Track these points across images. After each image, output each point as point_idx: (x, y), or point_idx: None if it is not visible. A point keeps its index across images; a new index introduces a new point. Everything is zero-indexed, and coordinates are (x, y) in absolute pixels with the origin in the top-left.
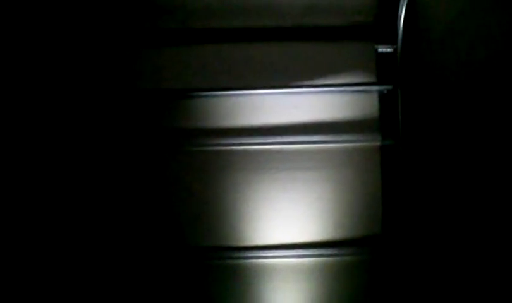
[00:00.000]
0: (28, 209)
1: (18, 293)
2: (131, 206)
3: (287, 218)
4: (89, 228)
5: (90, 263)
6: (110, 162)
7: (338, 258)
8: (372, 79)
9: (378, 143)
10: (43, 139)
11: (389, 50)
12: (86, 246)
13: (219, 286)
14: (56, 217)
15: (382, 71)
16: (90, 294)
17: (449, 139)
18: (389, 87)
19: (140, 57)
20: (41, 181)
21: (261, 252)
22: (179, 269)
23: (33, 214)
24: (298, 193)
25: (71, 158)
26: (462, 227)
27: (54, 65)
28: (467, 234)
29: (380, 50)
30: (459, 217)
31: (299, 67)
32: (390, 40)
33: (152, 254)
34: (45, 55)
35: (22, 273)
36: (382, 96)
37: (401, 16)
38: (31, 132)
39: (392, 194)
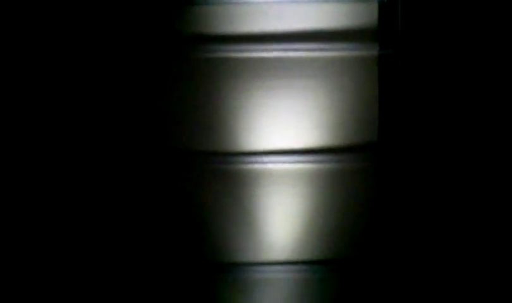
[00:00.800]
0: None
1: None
2: (125, 109)
3: (284, 125)
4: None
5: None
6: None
7: (334, 164)
8: None
9: (376, 52)
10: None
11: None
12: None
13: (210, 191)
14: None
15: None
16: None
17: (448, 49)
18: None
19: None
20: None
21: (257, 157)
22: (172, 173)
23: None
24: (295, 101)
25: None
26: (459, 139)
27: None
28: (463, 147)
29: None
30: (456, 128)
31: None
32: None
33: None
34: None
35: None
36: (381, 6)
37: None
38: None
39: (389, 103)
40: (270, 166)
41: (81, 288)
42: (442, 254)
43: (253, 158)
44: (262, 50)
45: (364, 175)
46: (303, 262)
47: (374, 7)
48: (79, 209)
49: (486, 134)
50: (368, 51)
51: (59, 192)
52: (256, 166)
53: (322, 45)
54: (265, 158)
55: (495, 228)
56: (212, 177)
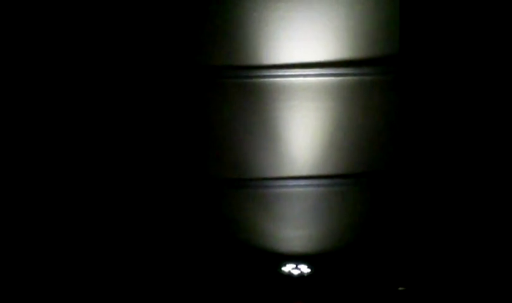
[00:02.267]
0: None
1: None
2: None
3: (304, 37)
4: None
5: None
6: None
7: (355, 77)
8: None
9: None
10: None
11: None
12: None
13: (232, 104)
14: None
15: None
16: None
17: None
18: None
19: None
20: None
21: (277, 71)
22: (194, 89)
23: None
24: (315, 12)
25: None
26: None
27: None
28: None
29: None
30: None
31: None
32: None
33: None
34: None
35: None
36: None
37: None
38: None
39: (409, 15)
40: (289, 80)
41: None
42: (458, 165)
43: (273, 72)
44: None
45: (385, 87)
46: (324, 177)
47: None
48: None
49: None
50: None
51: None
52: (277, 80)
53: None
54: (286, 72)
55: None
56: (233, 91)
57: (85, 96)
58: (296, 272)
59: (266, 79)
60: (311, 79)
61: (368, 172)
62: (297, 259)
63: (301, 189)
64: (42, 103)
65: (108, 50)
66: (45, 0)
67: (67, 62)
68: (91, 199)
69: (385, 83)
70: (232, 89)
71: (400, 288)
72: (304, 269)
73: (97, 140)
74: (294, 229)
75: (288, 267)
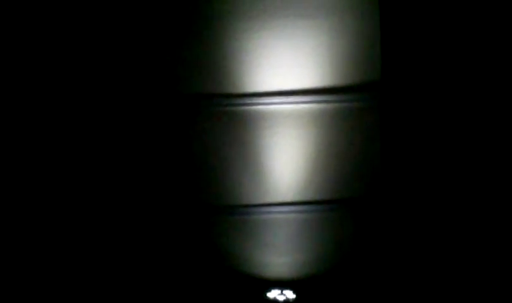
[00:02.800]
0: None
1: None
2: None
3: (287, 65)
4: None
5: None
6: None
7: (337, 104)
8: None
9: None
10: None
11: None
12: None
13: (214, 132)
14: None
15: None
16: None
17: None
18: None
19: None
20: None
21: (260, 98)
22: (174, 115)
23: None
24: (297, 40)
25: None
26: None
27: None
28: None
29: None
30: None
31: None
32: None
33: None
34: None
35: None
36: None
37: None
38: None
39: (391, 41)
40: (271, 107)
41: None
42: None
43: (254, 100)
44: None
45: (366, 113)
46: (307, 203)
47: None
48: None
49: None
50: None
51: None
52: (258, 107)
53: None
54: (267, 99)
55: None
56: (215, 118)
57: (66, 125)
58: (281, 298)
59: (248, 107)
60: (293, 106)
61: (351, 197)
62: (282, 284)
63: (285, 215)
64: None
65: (89, 79)
66: None
67: (49, 92)
68: (76, 227)
69: (368, 109)
70: (214, 117)
71: None
72: (290, 294)
73: (80, 168)
74: (279, 255)
75: (273, 293)
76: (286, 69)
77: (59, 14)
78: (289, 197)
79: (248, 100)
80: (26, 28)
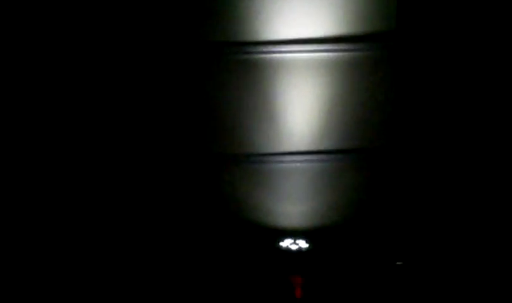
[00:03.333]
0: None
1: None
2: None
3: (303, 14)
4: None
5: None
6: None
7: (352, 53)
8: None
9: None
10: None
11: None
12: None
13: (231, 81)
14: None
15: None
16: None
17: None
18: None
19: None
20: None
21: (275, 46)
22: (192, 64)
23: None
24: None
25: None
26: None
27: None
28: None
29: None
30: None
31: None
32: None
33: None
34: None
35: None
36: None
37: None
38: None
39: None
40: (287, 56)
41: None
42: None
43: (270, 48)
44: None
45: (382, 62)
46: (322, 152)
47: None
48: None
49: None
50: None
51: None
52: (274, 56)
53: None
54: (283, 48)
55: None
56: (232, 67)
57: (88, 69)
58: (294, 247)
59: (264, 55)
60: (309, 55)
61: (366, 147)
62: (295, 234)
63: (299, 165)
64: (45, 69)
65: (109, 26)
66: None
67: (69, 37)
68: (92, 172)
69: (383, 58)
70: (230, 65)
71: (398, 263)
72: (303, 244)
73: (99, 113)
74: (292, 204)
75: (286, 243)
76: (301, 18)
77: None
78: (303, 147)
79: (263, 48)
80: None
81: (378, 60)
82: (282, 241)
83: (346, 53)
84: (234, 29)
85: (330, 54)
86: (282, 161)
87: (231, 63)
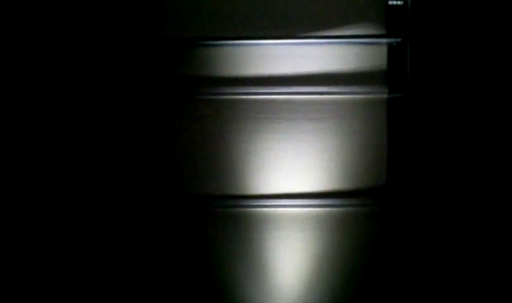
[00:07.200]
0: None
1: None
2: (135, 154)
3: (293, 168)
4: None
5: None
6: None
7: (342, 209)
8: (382, 31)
9: (385, 96)
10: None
11: (399, 2)
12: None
13: (220, 234)
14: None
15: (392, 23)
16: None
17: (457, 93)
18: (398, 40)
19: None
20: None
21: (265, 200)
22: (181, 217)
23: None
24: (303, 143)
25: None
26: (467, 183)
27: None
28: (472, 189)
29: (390, 2)
30: (464, 172)
31: (308, 17)
32: None
33: (154, 201)
34: None
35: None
36: (390, 49)
37: None
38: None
39: (397, 146)
40: (276, 210)
41: None
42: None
43: (260, 202)
44: (271, 93)
45: (372, 218)
46: None
47: (383, 51)
48: None
49: (495, 177)
50: (377, 94)
51: None
52: (263, 210)
53: (330, 88)
54: (272, 202)
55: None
56: (221, 220)
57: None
58: None
59: (254, 209)
60: (298, 209)
61: (356, 300)
62: None
63: None
64: None
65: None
66: None
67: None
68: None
69: (373, 214)
70: (221, 219)
71: None
72: None
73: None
74: None
75: None
76: (291, 172)
77: None
78: (291, 302)
79: (253, 202)
80: None
81: (368, 215)
82: None
83: (335, 209)
84: (222, 182)
85: (319, 209)
86: None
87: (219, 216)
